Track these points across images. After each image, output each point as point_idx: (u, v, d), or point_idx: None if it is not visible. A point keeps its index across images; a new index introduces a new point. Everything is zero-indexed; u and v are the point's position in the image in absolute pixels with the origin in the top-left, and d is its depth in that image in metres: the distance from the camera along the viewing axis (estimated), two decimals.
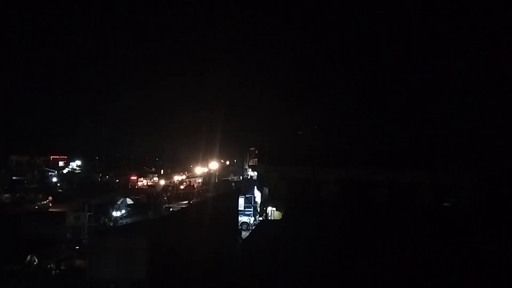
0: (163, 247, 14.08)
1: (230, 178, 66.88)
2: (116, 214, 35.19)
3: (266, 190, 31.75)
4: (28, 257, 20.57)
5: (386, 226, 17.91)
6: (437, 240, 15.77)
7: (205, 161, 70.47)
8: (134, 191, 57.35)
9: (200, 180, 70.86)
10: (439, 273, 12.50)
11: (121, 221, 33.95)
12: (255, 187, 37.78)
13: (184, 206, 32.94)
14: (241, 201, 31.48)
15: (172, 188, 62.44)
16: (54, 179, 69.54)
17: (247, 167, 57.48)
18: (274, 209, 29.99)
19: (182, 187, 65.74)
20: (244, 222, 31.97)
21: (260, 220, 30.00)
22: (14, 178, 61.91)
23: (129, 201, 40.32)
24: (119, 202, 38.21)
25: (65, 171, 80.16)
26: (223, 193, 30.58)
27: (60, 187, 61.75)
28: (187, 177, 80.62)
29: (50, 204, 41.67)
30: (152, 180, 76.10)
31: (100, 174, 73.98)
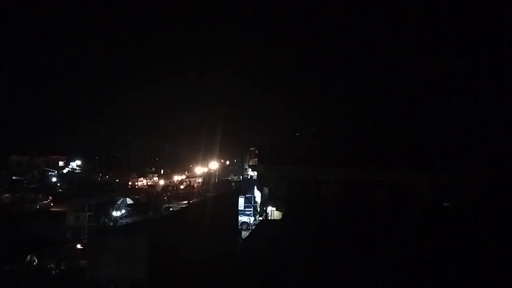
0: (163, 247, 14.09)
1: (230, 178, 66.87)
2: (116, 214, 35.20)
3: (266, 190, 31.75)
4: (28, 257, 20.57)
5: (386, 226, 17.91)
6: (437, 240, 15.77)
7: (205, 161, 70.50)
8: (134, 191, 57.38)
9: (200, 180, 70.88)
10: (439, 273, 12.50)
11: (121, 221, 33.95)
12: (255, 187, 37.78)
13: (184, 206, 32.95)
14: (241, 201, 31.48)
15: (172, 188, 62.45)
16: (54, 179, 69.54)
17: (247, 167, 57.48)
18: (274, 209, 29.99)
19: (182, 187, 65.74)
20: (244, 222, 31.98)
21: (260, 220, 29.99)
22: (14, 178, 61.93)
23: (129, 201, 40.35)
24: (119, 202, 38.23)
25: (65, 171, 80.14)
26: (223, 193, 30.59)
27: (60, 187, 61.77)
28: (187, 177, 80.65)
29: (52, 204, 41.70)
30: (152, 180, 76.13)
31: (100, 174, 74.00)
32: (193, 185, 66.36)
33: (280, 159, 31.43)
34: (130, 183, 71.02)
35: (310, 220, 19.83)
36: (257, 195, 35.55)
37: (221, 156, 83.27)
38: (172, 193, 54.94)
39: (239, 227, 29.35)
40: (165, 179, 76.90)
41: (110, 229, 28.01)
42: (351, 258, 13.41)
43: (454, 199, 27.25)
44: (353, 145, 32.76)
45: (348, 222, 18.21)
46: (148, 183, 72.79)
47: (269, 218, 30.02)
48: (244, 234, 27.38)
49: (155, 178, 77.79)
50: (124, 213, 36.56)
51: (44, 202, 41.67)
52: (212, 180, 59.33)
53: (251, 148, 51.60)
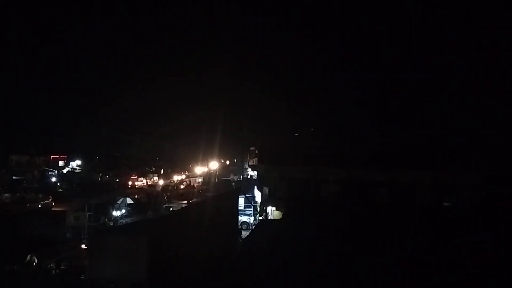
0: (163, 247, 14.08)
1: (230, 178, 66.89)
2: (116, 213, 35.19)
3: (266, 189, 31.74)
4: (28, 257, 20.55)
5: (386, 226, 17.91)
6: (437, 240, 15.77)
7: (205, 160, 70.52)
8: (134, 191, 57.38)
9: (200, 180, 70.86)
10: (439, 273, 12.50)
11: (121, 220, 33.93)
12: (255, 186, 37.78)
13: (184, 206, 32.95)
14: (241, 200, 31.48)
15: (172, 188, 62.44)
16: (54, 179, 69.53)
17: (247, 166, 57.49)
18: (274, 208, 29.98)
19: (182, 186, 65.73)
20: (244, 222, 31.98)
21: (260, 220, 29.99)
22: (14, 177, 61.93)
23: (129, 200, 40.34)
24: (119, 202, 38.22)
25: (65, 170, 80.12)
26: (223, 192, 30.59)
27: (60, 187, 61.74)
28: (187, 177, 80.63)
29: (53, 203, 41.75)
30: (152, 180, 76.12)
31: (100, 174, 73.95)
32: (193, 185, 66.35)
33: (280, 159, 31.42)
34: (130, 183, 71.00)
35: (310, 220, 19.82)
36: (257, 195, 35.55)
37: (221, 156, 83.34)
38: (172, 193, 54.93)
39: (239, 227, 29.36)
40: (165, 179, 76.87)
41: (110, 229, 28.00)
42: (351, 258, 13.41)
43: (454, 199, 27.23)
44: (353, 145, 32.75)
45: (348, 222, 18.21)
46: (148, 183, 72.79)
47: (269, 218, 30.01)
48: (244, 234, 27.39)
49: (155, 178, 77.76)
50: (124, 213, 36.55)
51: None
52: (212, 180, 59.35)
53: (251, 148, 51.62)
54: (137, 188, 66.41)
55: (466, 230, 17.38)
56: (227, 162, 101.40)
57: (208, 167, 66.96)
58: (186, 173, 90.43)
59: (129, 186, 67.94)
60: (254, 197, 35.74)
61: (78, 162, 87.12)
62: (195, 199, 43.61)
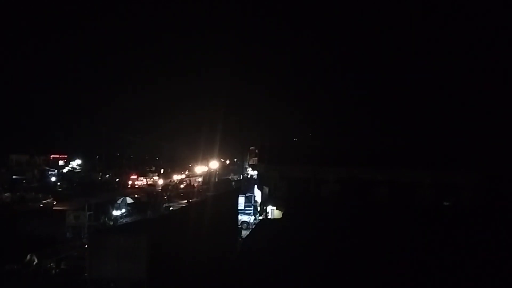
0: (163, 246, 14.09)
1: (230, 177, 66.90)
2: (116, 213, 35.17)
3: (266, 189, 31.74)
4: (28, 256, 20.55)
5: (386, 225, 17.90)
6: (437, 239, 15.77)
7: (205, 160, 70.55)
8: (134, 190, 57.37)
9: (200, 179, 70.84)
10: (439, 272, 12.49)
11: (121, 220, 33.93)
12: (255, 186, 37.76)
13: (184, 206, 32.94)
14: (241, 200, 31.48)
15: (172, 187, 62.44)
16: (54, 178, 69.52)
17: (247, 166, 57.51)
18: (274, 208, 29.99)
19: (182, 186, 65.73)
20: (244, 221, 31.97)
21: (260, 219, 29.99)
22: (14, 177, 61.92)
23: (129, 200, 40.30)
24: (119, 201, 38.19)
25: (65, 170, 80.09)
26: (223, 192, 30.61)
27: (60, 186, 61.72)
28: (187, 176, 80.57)
29: (55, 202, 41.81)
30: (152, 179, 76.10)
31: (100, 173, 73.93)
32: (193, 185, 66.34)
33: (280, 158, 31.43)
34: (130, 182, 70.96)
35: (310, 219, 19.80)
36: (257, 194, 35.54)
37: (221, 155, 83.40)
38: (172, 193, 54.92)
39: (239, 226, 29.35)
40: (165, 178, 76.82)
41: (110, 228, 28.00)
42: (351, 257, 13.40)
43: (454, 199, 27.23)
44: (353, 144, 32.77)
45: (348, 221, 18.19)
46: (148, 183, 72.78)
47: (269, 217, 30.02)
48: (244, 233, 27.38)
49: (155, 178, 77.71)
50: (124, 213, 36.53)
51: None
52: (212, 179, 59.37)
53: (251, 148, 51.66)
54: (137, 187, 66.38)
55: (466, 230, 17.37)
56: (227, 162, 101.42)
57: (208, 166, 67.01)
58: (186, 172, 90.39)
59: (129, 186, 67.91)
60: (254, 196, 35.73)
61: (78, 161, 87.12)
62: (195, 199, 43.62)
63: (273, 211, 30.26)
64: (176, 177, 79.33)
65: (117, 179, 72.42)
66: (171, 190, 59.02)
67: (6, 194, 46.06)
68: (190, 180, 71.67)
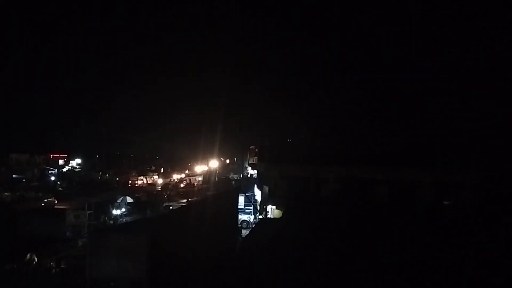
0: (163, 246, 14.08)
1: (230, 177, 66.84)
2: (116, 212, 35.17)
3: (266, 188, 31.73)
4: (28, 255, 20.54)
5: (386, 224, 17.89)
6: (437, 238, 15.76)
7: (205, 159, 70.53)
8: (134, 190, 57.36)
9: (200, 179, 70.82)
10: (439, 271, 12.49)
11: (121, 219, 33.94)
12: (255, 185, 37.77)
13: (184, 205, 32.93)
14: (241, 199, 31.45)
15: (172, 187, 62.44)
16: (54, 178, 69.54)
17: (247, 165, 57.49)
18: (274, 207, 29.99)
19: (182, 185, 65.73)
20: (244, 221, 31.97)
21: (260, 219, 29.99)
22: (14, 176, 61.96)
23: (129, 199, 40.29)
24: (119, 201, 38.17)
25: (65, 169, 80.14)
26: (223, 191, 30.57)
27: (60, 186, 61.74)
28: (187, 176, 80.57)
29: (56, 201, 41.87)
30: (152, 179, 76.11)
31: (100, 173, 73.99)
32: (193, 184, 66.33)
33: (280, 157, 31.42)
34: (130, 181, 70.97)
35: (310, 218, 19.79)
36: (257, 193, 35.54)
37: (221, 154, 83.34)
38: (172, 192, 54.92)
39: (239, 225, 29.34)
40: (165, 177, 76.83)
41: (110, 227, 28.00)
42: (351, 256, 13.40)
43: (454, 198, 27.23)
44: (353, 143, 32.76)
45: (348, 220, 18.18)
46: (148, 182, 72.79)
47: (269, 216, 30.02)
48: (244, 232, 27.37)
49: (155, 177, 77.73)
50: (124, 212, 36.53)
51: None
52: (212, 178, 59.34)
53: (251, 147, 51.67)
54: (137, 187, 66.38)
55: (466, 229, 17.36)
56: (227, 161, 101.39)
57: (208, 165, 66.98)
58: (187, 171, 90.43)
59: (129, 185, 67.93)
60: (254, 195, 35.73)
61: (78, 160, 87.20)
62: (195, 198, 43.61)
63: (273, 210, 30.26)
64: (176, 176, 79.32)
65: (117, 178, 72.44)
66: (171, 189, 59.02)
67: (6, 193, 46.09)
68: (190, 179, 71.66)
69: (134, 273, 13.52)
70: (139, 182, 71.74)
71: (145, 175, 78.17)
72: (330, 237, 15.44)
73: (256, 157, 44.71)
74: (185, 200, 43.02)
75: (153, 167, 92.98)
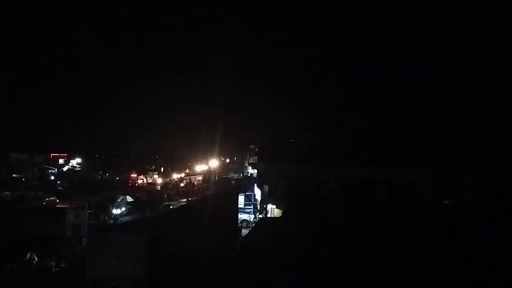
0: (163, 245, 14.08)
1: (230, 176, 66.89)
2: (116, 211, 35.20)
3: (266, 188, 31.74)
4: (28, 255, 20.55)
5: (386, 224, 17.89)
6: (437, 238, 15.76)
7: (205, 159, 70.54)
8: (134, 189, 57.41)
9: (200, 178, 70.87)
10: (439, 271, 12.49)
11: (121, 219, 33.96)
12: (255, 184, 37.79)
13: (184, 204, 32.95)
14: (241, 198, 31.47)
15: (172, 186, 62.48)
16: (54, 177, 69.59)
17: (247, 165, 57.51)
18: (274, 206, 29.99)
19: (182, 184, 65.77)
20: (244, 220, 31.99)
21: (260, 218, 29.99)
22: (14, 175, 62.00)
23: (129, 199, 40.34)
24: (119, 200, 38.22)
25: (65, 168, 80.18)
26: (223, 190, 30.58)
27: (60, 185, 61.79)
28: (187, 175, 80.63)
29: (57, 200, 41.97)
30: (152, 178, 76.18)
31: (100, 172, 74.05)
32: (193, 183, 66.37)
33: (280, 157, 31.42)
34: (130, 181, 71.02)
35: (310, 218, 19.79)
36: (257, 193, 35.56)
37: (221, 154, 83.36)
38: (172, 191, 54.95)
39: (239, 225, 29.36)
40: (165, 177, 76.89)
41: (110, 227, 28.00)
42: (350, 256, 13.40)
43: (454, 198, 27.22)
44: (353, 143, 32.74)
45: (348, 220, 18.18)
46: (148, 181, 72.83)
47: (269, 216, 30.02)
48: (244, 232, 27.39)
49: (155, 176, 77.79)
50: (124, 211, 36.56)
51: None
52: (212, 178, 59.37)
53: (251, 146, 51.69)
54: (137, 186, 66.43)
55: (466, 229, 17.37)
56: (227, 160, 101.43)
57: (208, 165, 67.00)
58: (187, 171, 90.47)
59: (129, 184, 67.98)
60: (254, 195, 35.75)
61: (78, 160, 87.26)
62: (195, 197, 43.64)
63: (273, 210, 30.27)
64: (176, 176, 79.38)
65: (117, 178, 72.51)
66: (171, 188, 59.09)
67: (6, 193, 46.16)
68: (190, 179, 71.72)
69: (134, 272, 13.51)
70: (139, 181, 71.83)
71: (145, 174, 78.26)
72: (330, 236, 15.44)
73: (256, 157, 44.72)
74: (185, 200, 43.05)
75: (153, 167, 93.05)
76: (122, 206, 37.24)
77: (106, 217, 32.67)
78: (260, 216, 30.94)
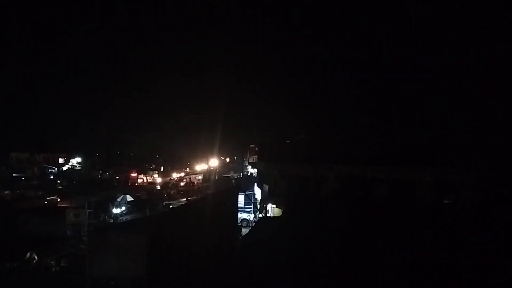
0: (163, 244, 14.08)
1: (230, 175, 66.90)
2: (116, 211, 35.19)
3: (266, 187, 31.71)
4: (28, 254, 20.55)
5: (386, 223, 17.90)
6: (437, 237, 15.77)
7: (205, 158, 70.57)
8: (134, 188, 57.42)
9: (200, 177, 70.87)
10: (439, 271, 12.49)
11: (121, 218, 33.96)
12: (255, 184, 37.75)
13: (183, 203, 32.95)
14: (241, 198, 31.45)
15: (172, 185, 62.48)
16: (54, 176, 69.59)
17: (247, 164, 57.48)
18: (274, 206, 29.97)
19: (182, 184, 65.76)
20: (244, 219, 31.99)
21: (260, 217, 29.98)
22: (14, 175, 62.01)
23: (129, 198, 40.33)
24: (119, 199, 38.20)
25: (65, 168, 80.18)
26: (223, 190, 30.56)
27: (60, 184, 61.79)
28: (187, 174, 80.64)
29: (59, 199, 42.04)
30: (152, 177, 76.19)
31: (100, 171, 73.99)
32: (193, 182, 66.38)
33: (280, 156, 31.39)
34: (130, 180, 71.01)
35: (310, 217, 19.81)
36: (257, 192, 35.53)
37: (221, 153, 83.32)
38: (172, 190, 54.95)
39: (239, 224, 29.35)
40: (165, 176, 76.89)
41: (110, 226, 28.00)
42: (350, 256, 13.40)
43: (454, 197, 27.22)
44: (353, 142, 32.72)
45: (348, 220, 18.19)
46: (148, 180, 72.83)
47: (269, 215, 30.01)
48: (244, 231, 27.39)
49: (155, 175, 77.79)
50: (124, 210, 36.56)
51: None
52: (212, 177, 59.38)
53: (251, 145, 51.66)
54: (137, 185, 66.43)
55: (466, 228, 17.37)
56: (227, 160, 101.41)
57: (208, 164, 67.02)
58: (187, 170, 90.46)
59: (129, 184, 67.98)
60: (254, 194, 35.72)
61: (78, 159, 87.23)
62: (195, 197, 43.65)
63: (273, 209, 30.25)
64: (176, 175, 79.38)
65: (117, 177, 72.50)
66: (171, 188, 59.08)
67: (6, 192, 46.19)
68: (190, 178, 71.73)
69: (134, 271, 13.51)
70: (139, 180, 71.82)
71: (145, 173, 78.26)
72: (330, 236, 15.45)
73: (256, 156, 44.66)
74: (185, 199, 43.06)
75: (153, 166, 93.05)
76: (122, 206, 37.24)
77: (106, 216, 32.67)
78: (260, 215, 30.92)
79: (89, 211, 28.52)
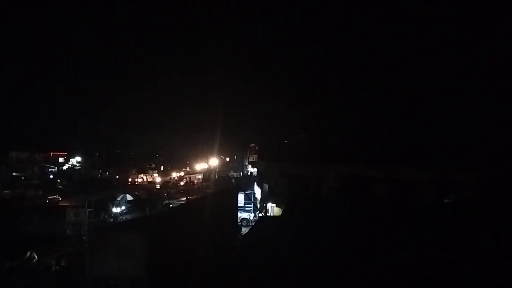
0: (162, 244, 14.08)
1: (230, 175, 66.90)
2: (116, 210, 35.19)
3: (266, 186, 31.70)
4: (28, 253, 20.55)
5: (386, 222, 17.90)
6: (437, 236, 15.76)
7: (205, 157, 70.59)
8: (134, 188, 57.41)
9: (200, 177, 70.85)
10: (439, 270, 12.49)
11: (121, 217, 33.96)
12: (255, 183, 37.74)
13: (183, 203, 32.94)
14: (241, 197, 31.46)
15: (172, 185, 62.46)
16: (54, 176, 69.54)
17: (247, 163, 57.49)
18: (274, 205, 29.96)
19: (182, 183, 65.72)
20: (244, 218, 31.99)
21: (260, 217, 29.98)
22: (14, 174, 61.99)
23: (129, 197, 40.33)
24: (119, 199, 38.20)
25: (65, 167, 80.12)
26: (223, 189, 30.57)
27: (60, 183, 61.78)
28: (187, 174, 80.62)
29: (60, 199, 42.08)
30: (152, 177, 76.15)
31: (100, 171, 73.94)
32: (193, 182, 66.36)
33: (280, 155, 31.37)
34: (130, 179, 70.98)
35: (310, 217, 19.80)
36: (257, 191, 35.52)
37: (221, 152, 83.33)
38: (172, 190, 54.94)
39: (239, 223, 29.36)
40: (165, 175, 76.85)
41: (110, 225, 28.01)
42: (351, 255, 13.40)
43: (454, 196, 27.22)
44: (353, 142, 32.72)
45: (348, 219, 18.18)
46: (148, 180, 72.79)
47: (269, 214, 30.00)
48: (244, 230, 27.39)
49: (155, 175, 77.76)
50: (124, 210, 36.56)
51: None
52: (212, 176, 59.40)
53: (251, 145, 51.62)
54: (137, 185, 66.40)
55: (466, 227, 17.37)
56: (227, 159, 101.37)
57: (208, 163, 67.04)
58: (187, 169, 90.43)
59: (129, 183, 67.94)
60: (254, 193, 35.72)
61: (78, 158, 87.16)
62: (195, 196, 43.64)
63: (273, 208, 30.24)
64: (176, 175, 79.35)
65: (117, 177, 72.45)
66: (171, 187, 59.06)
67: (6, 191, 46.19)
68: (190, 177, 71.71)
69: (134, 271, 13.52)
70: (139, 180, 71.76)
71: (145, 173, 78.21)
72: (330, 235, 15.45)
73: (256, 155, 44.64)
74: (185, 198, 43.06)
75: (153, 165, 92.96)
76: (122, 205, 37.24)
77: (106, 216, 32.67)
78: (260, 214, 30.92)
79: (89, 211, 28.52)
